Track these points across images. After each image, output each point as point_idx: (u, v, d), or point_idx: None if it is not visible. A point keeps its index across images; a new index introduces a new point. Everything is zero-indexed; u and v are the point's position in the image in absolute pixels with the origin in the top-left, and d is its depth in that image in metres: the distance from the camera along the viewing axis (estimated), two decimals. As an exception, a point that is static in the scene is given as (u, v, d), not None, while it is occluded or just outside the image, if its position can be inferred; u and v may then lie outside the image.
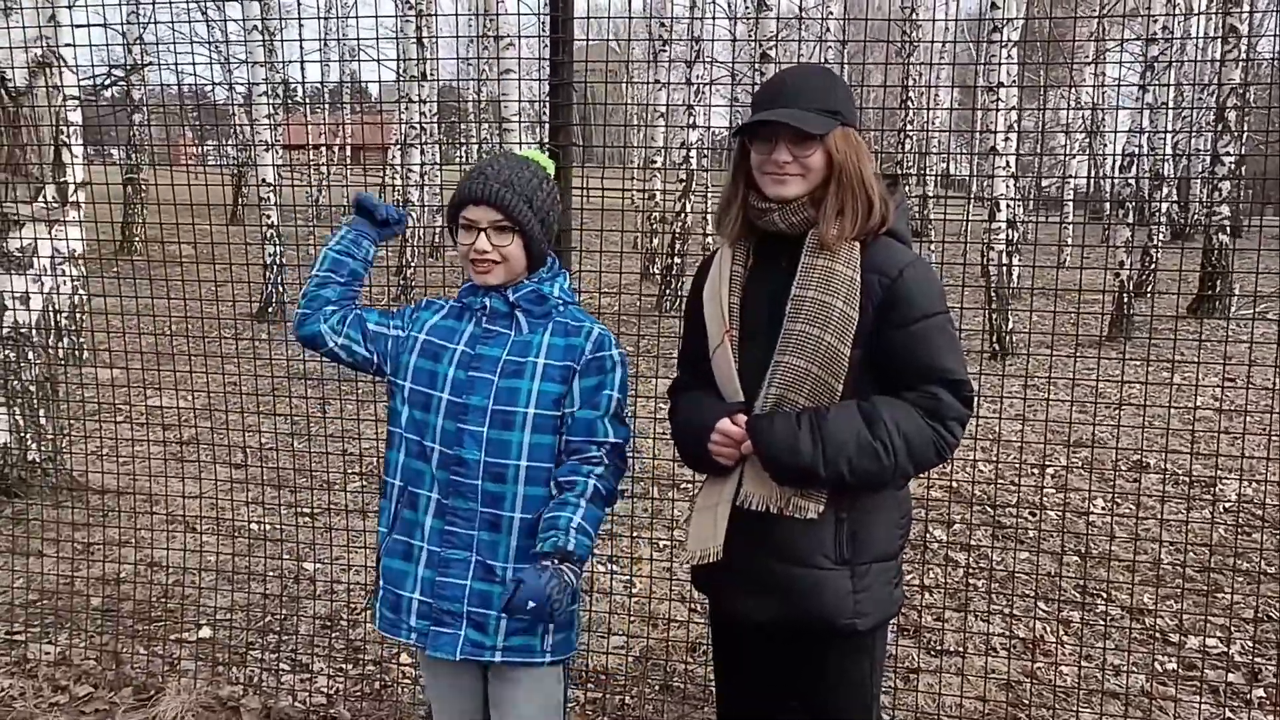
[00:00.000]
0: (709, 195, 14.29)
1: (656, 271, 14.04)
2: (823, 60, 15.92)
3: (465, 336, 2.28)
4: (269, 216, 11.76)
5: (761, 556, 2.09)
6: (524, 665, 2.27)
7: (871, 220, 2.05)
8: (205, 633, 4.05)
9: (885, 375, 2.06)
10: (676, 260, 13.13)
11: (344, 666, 3.83)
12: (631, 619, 3.94)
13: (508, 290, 2.25)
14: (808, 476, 2.01)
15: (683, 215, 13.65)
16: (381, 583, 2.33)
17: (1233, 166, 12.56)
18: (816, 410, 2.01)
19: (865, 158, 2.07)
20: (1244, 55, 12.04)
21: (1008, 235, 10.76)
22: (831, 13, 16.51)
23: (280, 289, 11.53)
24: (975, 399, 2.10)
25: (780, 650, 2.20)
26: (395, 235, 2.50)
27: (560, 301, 2.29)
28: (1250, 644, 4.03)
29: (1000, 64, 10.53)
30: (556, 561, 2.08)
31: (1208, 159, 13.44)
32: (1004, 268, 10.63)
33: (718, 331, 2.13)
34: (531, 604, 2.00)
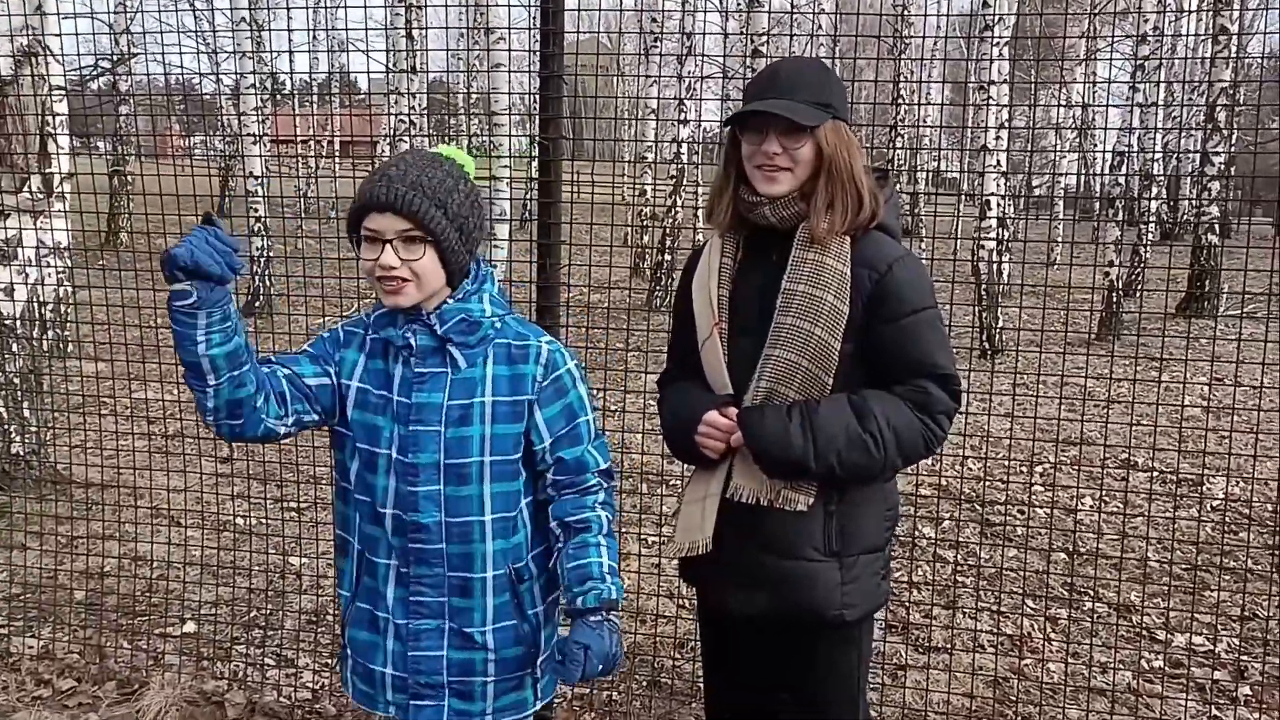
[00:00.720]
0: (700, 191, 14.28)
1: (647, 268, 14.02)
2: (815, 56, 15.91)
3: (398, 383, 1.97)
4: (256, 210, 11.70)
5: (751, 549, 2.10)
6: None
7: (862, 215, 2.06)
8: (190, 627, 4.02)
9: (874, 369, 2.07)
10: (667, 257, 13.12)
11: (329, 661, 3.81)
12: (619, 615, 3.93)
13: (431, 319, 1.94)
14: (798, 469, 2.01)
15: (673, 211, 13.64)
16: (349, 651, 2.10)
17: (1222, 166, 12.61)
18: (807, 403, 2.02)
19: (856, 152, 2.07)
20: (1234, 55, 12.07)
21: (998, 233, 10.79)
22: (823, 9, 16.52)
23: (267, 283, 11.48)
24: (962, 393, 2.11)
25: (769, 642, 2.20)
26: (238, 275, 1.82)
27: (494, 319, 1.99)
28: (1236, 642, 4.04)
29: (991, 62, 10.54)
30: (605, 613, 1.94)
31: (1197, 158, 13.48)
32: (994, 266, 10.66)
33: (706, 324, 2.13)
34: (601, 667, 1.89)
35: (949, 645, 3.91)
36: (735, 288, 2.14)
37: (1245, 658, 3.92)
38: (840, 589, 2.08)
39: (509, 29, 8.94)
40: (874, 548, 2.14)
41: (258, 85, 12.22)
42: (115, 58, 14.87)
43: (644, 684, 3.68)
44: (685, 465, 2.29)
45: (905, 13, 16.58)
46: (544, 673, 2.11)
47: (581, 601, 1.95)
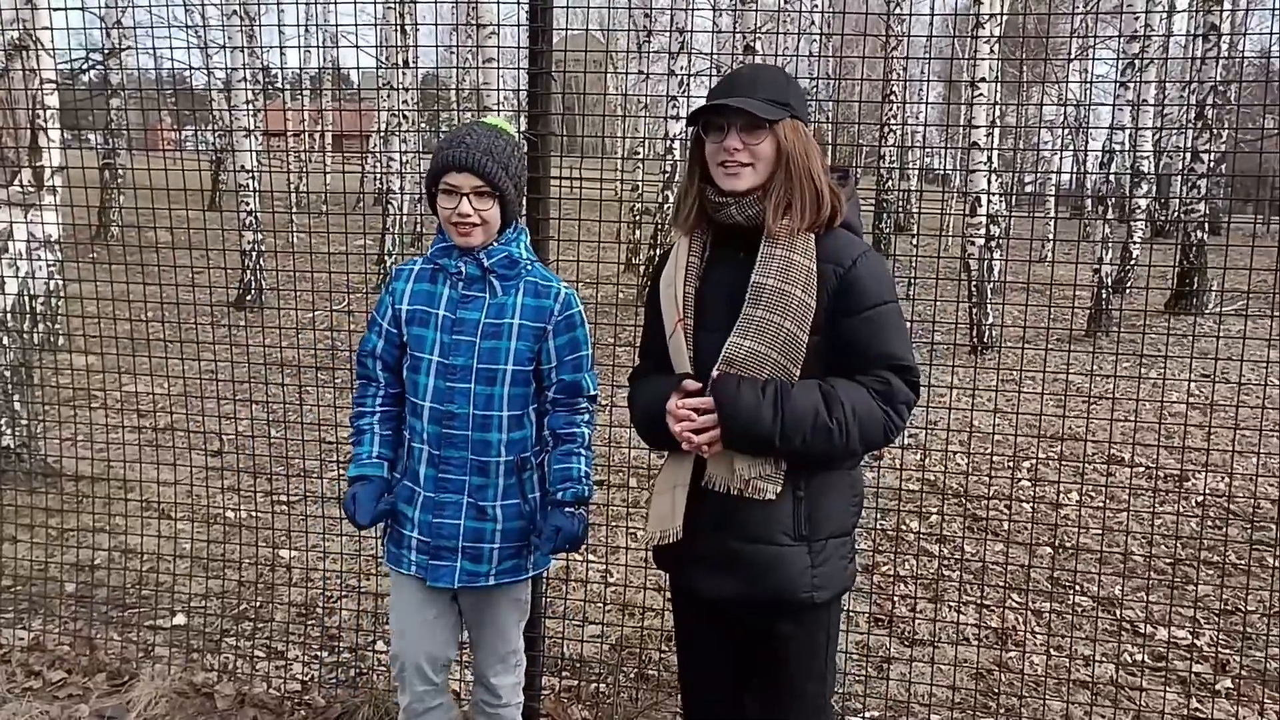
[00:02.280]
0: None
1: (639, 263, 14.04)
2: (807, 53, 15.94)
3: (444, 300, 2.48)
4: (248, 203, 11.69)
5: (722, 535, 2.15)
6: (511, 584, 2.59)
7: (822, 213, 2.13)
8: (180, 620, 4.04)
9: (837, 360, 2.13)
10: (658, 252, 13.13)
11: (319, 654, 3.83)
12: (608, 608, 3.96)
13: (481, 254, 2.44)
14: (762, 445, 2.07)
15: (665, 207, 13.65)
16: (389, 520, 2.60)
17: (1211, 164, 12.66)
18: (781, 384, 2.07)
19: (814, 151, 2.14)
20: (1224, 54, 12.12)
21: (988, 230, 10.82)
22: (816, 6, 16.53)
23: (259, 277, 11.47)
24: (921, 385, 2.17)
25: (740, 624, 2.26)
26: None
27: (528, 261, 2.51)
28: (1218, 636, 4.09)
29: (983, 59, 10.57)
30: (577, 506, 2.50)
31: (1187, 156, 13.53)
32: (984, 262, 10.70)
33: (671, 320, 2.19)
34: (568, 547, 2.48)
35: (934, 638, 3.95)
36: (704, 284, 2.20)
37: (1226, 651, 3.96)
38: (810, 572, 2.14)
39: (498, 25, 8.95)
40: (841, 532, 2.21)
41: (249, 79, 12.20)
42: (106, 50, 14.82)
43: (632, 676, 3.71)
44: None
45: (897, 10, 16.60)
46: (536, 547, 2.58)
47: (561, 495, 2.52)
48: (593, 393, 2.57)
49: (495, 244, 2.46)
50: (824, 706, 2.30)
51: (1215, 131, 12.46)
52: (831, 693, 2.35)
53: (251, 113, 12.18)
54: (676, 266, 2.23)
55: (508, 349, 2.46)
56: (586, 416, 2.57)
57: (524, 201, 2.51)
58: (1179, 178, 17.05)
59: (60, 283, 6.70)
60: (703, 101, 2.20)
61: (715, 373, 2.10)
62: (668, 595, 4.17)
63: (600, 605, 4.00)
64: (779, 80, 2.16)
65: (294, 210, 16.25)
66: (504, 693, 2.71)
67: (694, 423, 2.09)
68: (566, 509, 2.50)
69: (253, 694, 3.56)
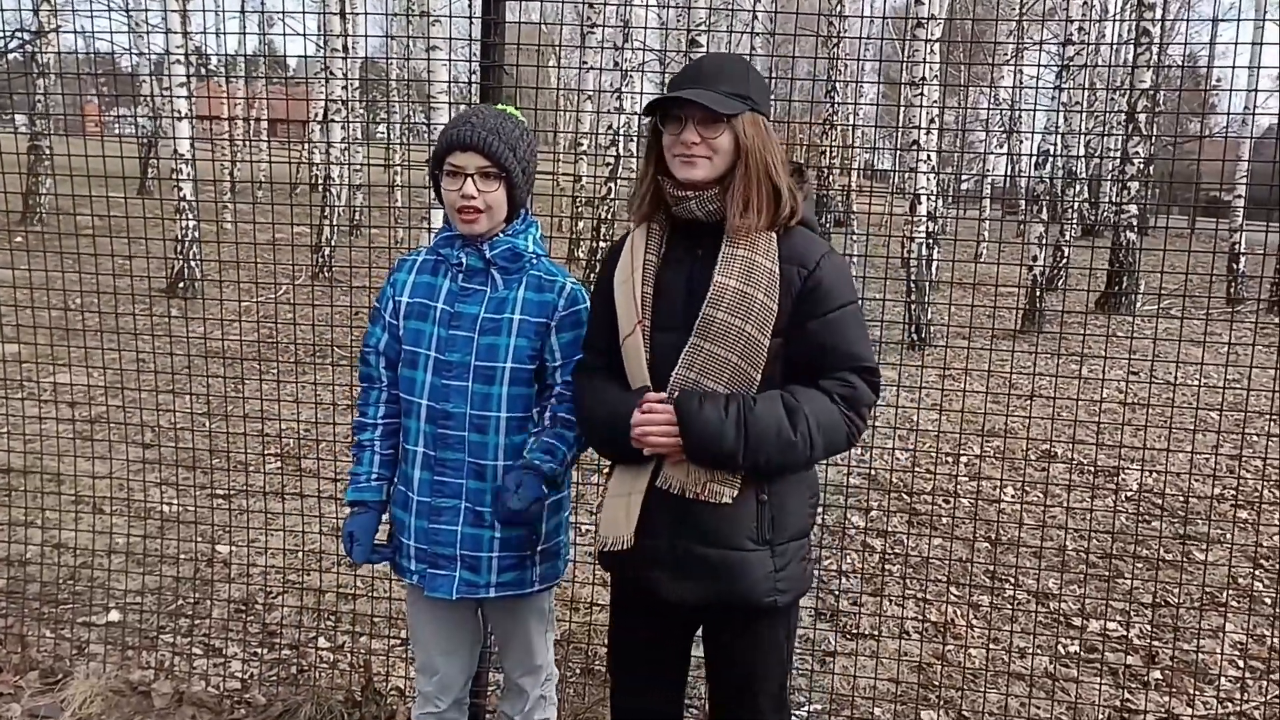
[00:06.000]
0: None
1: (582, 255, 14.00)
2: (750, 49, 16.02)
3: (444, 293, 2.37)
4: (181, 189, 11.42)
5: (684, 539, 2.12)
6: (516, 596, 2.46)
7: (781, 211, 2.10)
8: (114, 616, 3.95)
9: (799, 362, 2.11)
10: (602, 244, 13.11)
11: (259, 651, 3.77)
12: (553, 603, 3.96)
13: (484, 245, 2.33)
14: (725, 462, 2.05)
15: (609, 199, 13.62)
16: (393, 527, 2.52)
17: (1141, 167, 12.98)
18: (744, 399, 2.05)
19: (774, 147, 2.11)
20: (1155, 59, 12.43)
21: (927, 228, 10.98)
22: (760, 2, 16.60)
23: (193, 264, 11.21)
24: (881, 384, 2.17)
25: (696, 625, 2.28)
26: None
27: (533, 255, 2.39)
28: (1148, 628, 4.20)
29: (924, 61, 10.71)
30: (544, 484, 2.27)
31: (1118, 159, 13.87)
32: (924, 260, 10.84)
33: (629, 321, 2.14)
34: (528, 510, 2.23)
35: (876, 631, 4.00)
36: (659, 282, 2.15)
37: (1156, 643, 4.08)
38: (774, 576, 2.13)
39: (449, 16, 8.85)
40: (802, 534, 2.21)
41: (184, 61, 11.92)
42: (34, 29, 14.38)
43: (577, 671, 3.71)
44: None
45: (840, 9, 16.75)
46: (543, 559, 2.46)
47: (539, 463, 2.28)
48: None
49: (500, 234, 2.35)
50: (785, 701, 2.32)
51: (1145, 135, 12.79)
52: (789, 685, 2.37)
53: (188, 96, 11.90)
54: (633, 264, 2.17)
55: (507, 345, 2.33)
56: None
57: (530, 188, 2.39)
58: (1109, 179, 17.48)
59: (-14, 268, 6.46)
60: (650, 93, 2.17)
61: (675, 389, 2.06)
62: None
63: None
64: (739, 71, 2.12)
65: (234, 199, 15.93)
66: (532, 705, 2.62)
67: (657, 431, 2.05)
68: (535, 473, 2.27)
69: (191, 692, 3.49)
